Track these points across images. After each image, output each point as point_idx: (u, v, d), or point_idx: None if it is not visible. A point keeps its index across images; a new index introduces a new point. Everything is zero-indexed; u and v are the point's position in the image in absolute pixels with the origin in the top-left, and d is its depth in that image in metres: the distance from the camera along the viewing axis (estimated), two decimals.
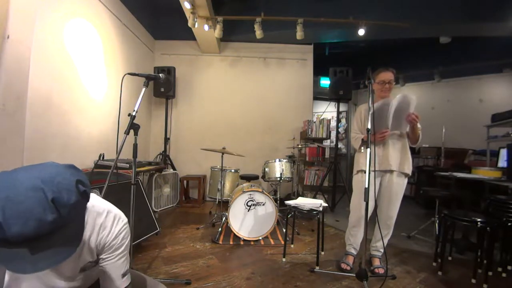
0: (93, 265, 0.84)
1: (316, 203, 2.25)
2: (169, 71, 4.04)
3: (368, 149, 1.72)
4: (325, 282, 1.93)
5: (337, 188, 4.11)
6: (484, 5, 3.63)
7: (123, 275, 0.86)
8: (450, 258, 2.38)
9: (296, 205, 2.27)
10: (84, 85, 2.66)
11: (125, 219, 0.88)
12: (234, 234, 2.69)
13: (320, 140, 4.41)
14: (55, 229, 0.58)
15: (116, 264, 0.84)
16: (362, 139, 2.08)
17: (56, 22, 2.22)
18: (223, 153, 3.08)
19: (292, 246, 2.61)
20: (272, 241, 2.69)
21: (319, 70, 5.02)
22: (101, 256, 0.83)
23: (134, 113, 1.59)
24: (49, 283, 0.78)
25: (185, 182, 4.35)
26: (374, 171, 1.83)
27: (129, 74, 1.72)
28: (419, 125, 2.05)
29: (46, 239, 0.58)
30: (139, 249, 2.34)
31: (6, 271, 0.70)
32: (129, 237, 0.90)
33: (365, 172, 1.75)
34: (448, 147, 4.42)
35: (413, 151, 5.14)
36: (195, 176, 4.33)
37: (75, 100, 2.54)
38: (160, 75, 1.79)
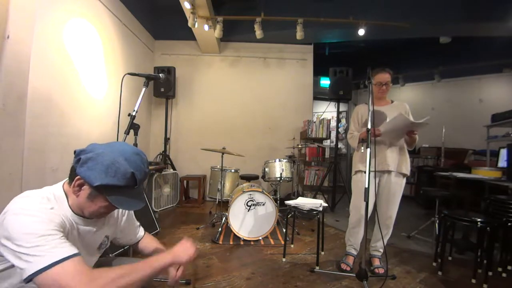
0: (106, 243, 1.06)
1: (316, 203, 2.25)
2: (169, 71, 4.04)
3: (368, 149, 1.72)
4: (325, 282, 1.93)
5: (337, 188, 4.10)
6: (484, 5, 3.63)
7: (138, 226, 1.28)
8: (450, 258, 2.38)
9: (296, 205, 2.26)
10: (84, 85, 2.66)
11: None
12: (234, 234, 2.69)
13: (320, 140, 4.41)
14: (145, 179, 0.92)
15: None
16: (362, 139, 2.08)
17: (56, 22, 2.22)
18: (223, 153, 3.08)
19: (292, 246, 2.61)
20: (272, 241, 2.69)
21: (319, 70, 5.01)
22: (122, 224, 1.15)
23: (134, 113, 1.60)
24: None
25: (185, 182, 4.35)
26: (374, 171, 1.83)
27: (129, 74, 1.72)
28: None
29: (142, 186, 0.92)
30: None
31: None
32: None
33: (364, 172, 1.75)
34: (448, 147, 4.42)
35: (413, 151, 5.15)
36: (195, 176, 4.33)
37: (75, 100, 2.54)
38: (160, 75, 1.80)
